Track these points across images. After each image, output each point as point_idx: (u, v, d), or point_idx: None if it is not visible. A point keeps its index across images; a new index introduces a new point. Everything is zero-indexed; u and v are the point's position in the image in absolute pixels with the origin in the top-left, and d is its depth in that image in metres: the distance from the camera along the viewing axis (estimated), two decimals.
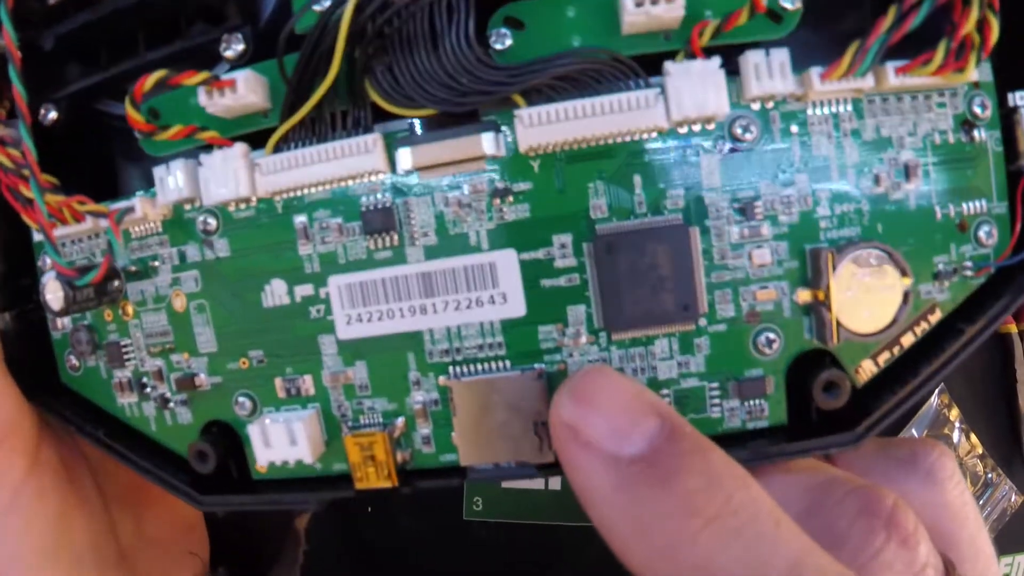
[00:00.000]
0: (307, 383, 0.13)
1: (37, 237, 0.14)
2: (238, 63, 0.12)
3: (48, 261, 0.14)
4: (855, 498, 0.10)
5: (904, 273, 0.11)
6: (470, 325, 0.12)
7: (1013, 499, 0.44)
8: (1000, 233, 0.12)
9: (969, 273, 0.12)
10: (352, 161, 0.11)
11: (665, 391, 0.12)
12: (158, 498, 0.16)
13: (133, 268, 0.13)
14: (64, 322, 0.14)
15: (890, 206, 0.12)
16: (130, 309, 0.13)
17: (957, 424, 0.44)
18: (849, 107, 0.11)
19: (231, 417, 0.13)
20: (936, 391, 0.41)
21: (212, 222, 0.12)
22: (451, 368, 0.12)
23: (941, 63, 0.11)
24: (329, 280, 0.12)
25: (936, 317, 0.12)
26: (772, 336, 0.12)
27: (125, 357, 0.13)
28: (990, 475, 0.44)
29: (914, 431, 0.41)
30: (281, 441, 0.12)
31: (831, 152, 0.11)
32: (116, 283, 0.13)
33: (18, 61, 0.12)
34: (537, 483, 0.23)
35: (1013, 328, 0.44)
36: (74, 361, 0.14)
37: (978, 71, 0.11)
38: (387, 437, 0.12)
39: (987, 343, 0.37)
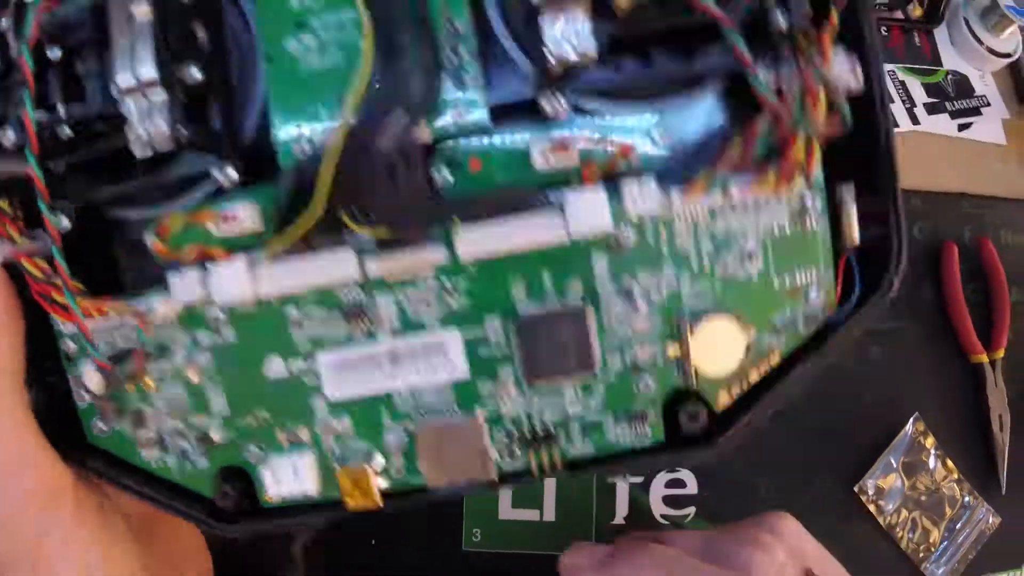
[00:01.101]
0: (304, 433, 0.17)
1: (58, 326, 0.17)
2: (230, 187, 0.16)
3: (72, 346, 0.17)
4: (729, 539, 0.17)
5: (745, 330, 0.16)
6: (428, 386, 0.16)
7: (991, 520, 0.49)
8: (826, 296, 0.17)
9: (800, 325, 0.17)
10: (333, 270, 0.15)
11: (574, 422, 0.17)
12: (168, 525, 0.20)
13: (151, 350, 0.17)
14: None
15: (738, 281, 0.16)
16: (151, 383, 0.17)
17: (932, 451, 0.49)
18: (705, 214, 0.16)
19: (242, 462, 0.17)
20: (912, 419, 0.47)
21: (221, 316, 0.16)
22: (415, 416, 0.16)
23: (774, 184, 0.15)
24: (318, 356, 0.16)
25: (775, 360, 0.17)
26: (650, 381, 0.16)
27: (148, 421, 0.17)
28: (967, 498, 0.48)
29: (891, 458, 0.46)
30: (288, 478, 0.16)
31: (691, 247, 0.16)
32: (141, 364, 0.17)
33: (46, 196, 0.15)
34: (533, 514, 0.27)
35: (984, 358, 0.49)
36: (101, 425, 0.18)
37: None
38: (369, 469, 0.17)
39: (961, 372, 0.40)
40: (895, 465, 0.47)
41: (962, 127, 0.58)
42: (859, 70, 0.15)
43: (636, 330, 0.16)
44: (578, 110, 0.15)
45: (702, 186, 0.15)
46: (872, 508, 0.48)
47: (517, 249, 0.15)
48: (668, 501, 0.37)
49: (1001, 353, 0.50)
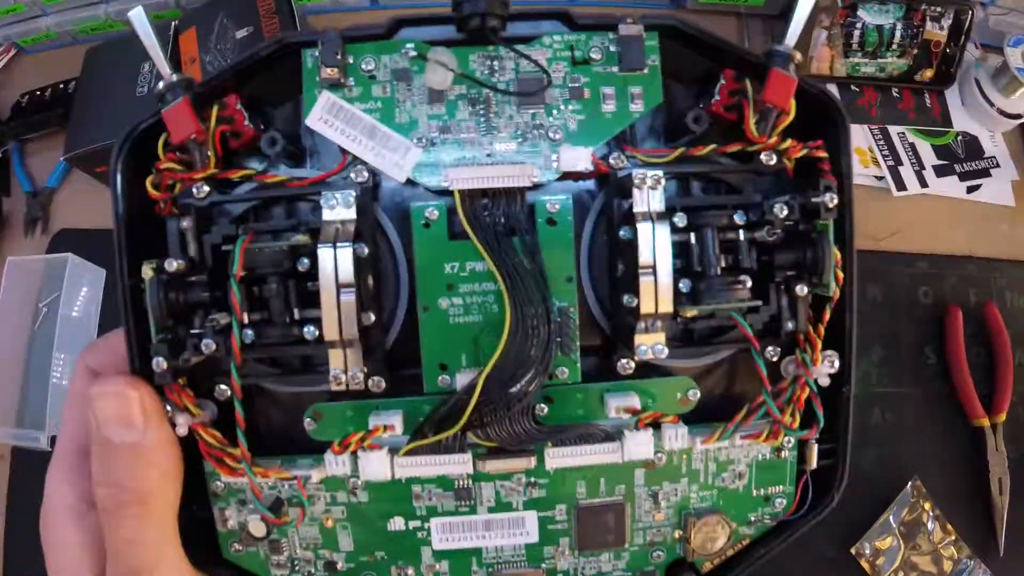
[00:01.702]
0: (411, 571, 0.23)
1: (208, 468, 0.22)
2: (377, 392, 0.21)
3: (219, 486, 0.22)
4: None
5: (728, 525, 0.23)
6: (508, 546, 0.23)
7: None
8: (787, 501, 0.24)
9: (768, 521, 0.24)
10: (454, 466, 0.21)
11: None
12: None
13: (296, 500, 0.22)
14: (232, 521, 0.23)
15: (729, 491, 0.23)
16: (290, 521, 0.22)
17: (931, 513, 0.48)
18: (715, 450, 0.23)
19: None
20: (911, 482, 0.46)
21: (359, 482, 0.22)
22: (496, 566, 0.23)
23: (764, 439, 0.22)
24: (431, 520, 0.22)
25: (746, 542, 0.24)
26: (661, 553, 0.23)
27: (283, 548, 0.23)
28: (965, 560, 0.47)
29: (891, 519, 0.46)
30: None
31: (701, 468, 0.23)
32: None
33: (239, 392, 0.20)
34: None
35: (986, 422, 0.48)
36: (238, 547, 0.23)
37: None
38: None
39: (962, 435, 0.45)
40: (893, 526, 0.47)
41: (971, 189, 0.59)
42: (837, 363, 0.22)
43: (656, 520, 0.23)
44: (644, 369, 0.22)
45: (718, 436, 0.22)
46: (868, 568, 0.47)
47: (585, 464, 0.22)
48: None
49: (1003, 417, 0.50)
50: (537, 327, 0.20)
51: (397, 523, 0.22)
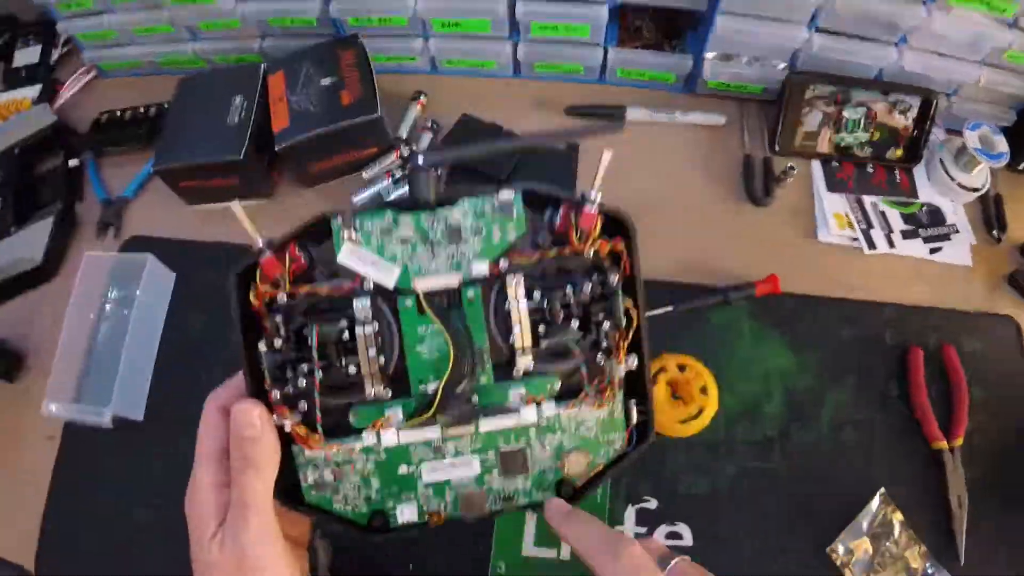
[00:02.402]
0: (412, 495, 0.41)
1: (293, 447, 0.41)
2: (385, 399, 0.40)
3: (302, 459, 0.41)
4: None
5: (587, 457, 0.43)
6: (464, 476, 0.41)
7: None
8: (622, 443, 0.43)
9: (611, 454, 0.43)
10: (430, 434, 0.40)
11: (521, 491, 0.42)
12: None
13: (347, 461, 0.41)
14: (310, 478, 0.41)
15: (586, 438, 0.43)
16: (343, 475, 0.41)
17: (896, 522, 0.53)
18: (573, 415, 0.42)
19: (385, 507, 0.42)
20: (879, 493, 0.53)
21: (381, 447, 0.41)
22: (459, 487, 0.42)
23: (598, 405, 0.41)
24: (422, 465, 0.41)
25: (599, 469, 0.43)
26: (550, 476, 0.42)
27: (340, 490, 0.41)
28: (929, 567, 0.52)
29: (862, 523, 0.52)
30: (406, 513, 0.41)
31: (567, 425, 0.42)
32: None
33: (318, 419, 0.39)
34: (552, 553, 0.47)
35: (944, 445, 0.55)
36: (314, 492, 0.42)
37: None
38: (441, 512, 0.42)
39: (924, 457, 0.56)
40: (864, 530, 0.52)
41: (933, 250, 0.67)
42: (635, 362, 0.41)
43: (544, 456, 0.42)
44: (527, 374, 0.41)
45: (573, 407, 0.41)
46: (841, 567, 0.52)
47: (501, 428, 0.41)
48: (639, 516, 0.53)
49: (959, 441, 0.56)
50: (468, 357, 0.39)
51: (403, 469, 0.41)
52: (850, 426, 0.58)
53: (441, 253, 0.40)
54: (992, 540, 0.53)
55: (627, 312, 0.40)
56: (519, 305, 0.39)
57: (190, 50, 0.76)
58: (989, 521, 0.54)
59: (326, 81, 0.66)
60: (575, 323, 0.39)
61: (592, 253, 0.41)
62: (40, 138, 0.74)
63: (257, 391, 0.39)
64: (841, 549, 0.51)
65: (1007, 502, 0.55)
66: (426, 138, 0.72)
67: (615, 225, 0.41)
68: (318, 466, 0.41)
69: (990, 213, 0.69)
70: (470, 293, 0.40)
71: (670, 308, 0.62)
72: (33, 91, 0.81)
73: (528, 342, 0.39)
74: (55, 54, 0.84)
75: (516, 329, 0.39)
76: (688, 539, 0.52)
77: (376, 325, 0.39)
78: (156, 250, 0.64)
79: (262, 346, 0.38)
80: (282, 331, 0.39)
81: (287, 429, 0.39)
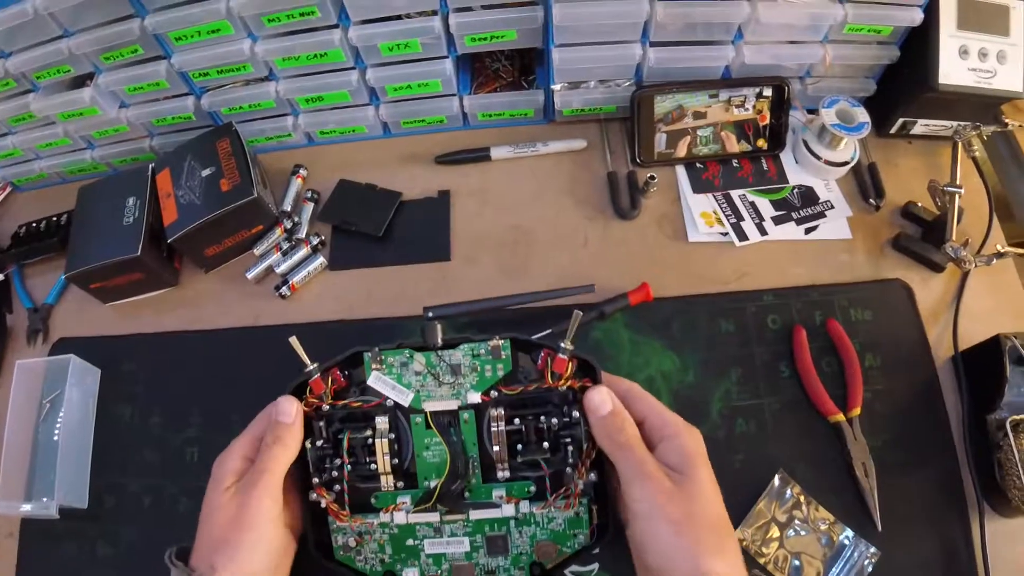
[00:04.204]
0: (416, 563, 0.56)
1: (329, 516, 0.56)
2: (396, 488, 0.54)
3: (335, 525, 0.56)
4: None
5: (555, 547, 0.55)
6: (457, 552, 0.55)
7: (872, 551, 0.53)
8: (586, 539, 0.55)
9: (576, 546, 0.56)
10: (431, 518, 0.54)
11: (502, 568, 0.55)
12: None
13: (367, 531, 0.56)
14: (339, 541, 0.56)
15: (556, 531, 0.55)
16: (364, 542, 0.56)
17: (800, 498, 0.55)
18: (547, 513, 0.55)
19: (395, 568, 0.56)
20: (777, 474, 0.55)
21: (394, 524, 0.55)
22: (452, 560, 0.55)
23: (566, 507, 0.54)
24: (424, 540, 0.55)
25: (567, 555, 0.56)
26: (524, 560, 0.55)
27: (361, 552, 0.56)
28: (844, 538, 0.53)
29: (763, 506, 0.54)
30: None
31: (541, 520, 0.55)
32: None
33: (347, 500, 0.54)
34: None
35: (841, 417, 0.57)
36: (342, 552, 0.56)
37: None
38: None
39: (822, 432, 0.58)
40: (768, 514, 0.55)
41: (808, 230, 0.68)
42: (594, 477, 0.53)
43: (521, 543, 0.55)
44: (510, 479, 0.54)
45: (543, 506, 0.54)
46: (754, 552, 0.55)
47: (486, 518, 0.54)
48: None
49: (857, 411, 0.58)
50: (461, 463, 0.53)
51: (410, 541, 0.55)
52: (741, 415, 0.60)
53: (445, 383, 0.53)
54: (906, 501, 0.55)
55: (588, 435, 0.52)
56: (499, 429, 0.52)
57: (89, 157, 0.81)
58: (900, 483, 0.55)
59: (206, 171, 0.70)
60: (546, 444, 0.52)
61: (566, 388, 0.53)
62: None
63: (304, 476, 0.54)
64: (747, 534, 0.54)
65: (915, 461, 0.56)
66: (308, 209, 0.76)
67: (586, 365, 0.53)
68: (346, 533, 0.56)
69: (865, 183, 0.71)
70: (465, 416, 0.53)
71: (548, 331, 0.64)
72: None
73: (505, 456, 0.52)
74: None
75: (495, 448, 0.52)
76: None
77: (393, 435, 0.53)
78: (81, 348, 0.68)
79: (308, 443, 0.53)
80: (324, 432, 0.54)
81: (322, 505, 0.53)
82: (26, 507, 0.61)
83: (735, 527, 0.52)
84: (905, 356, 0.62)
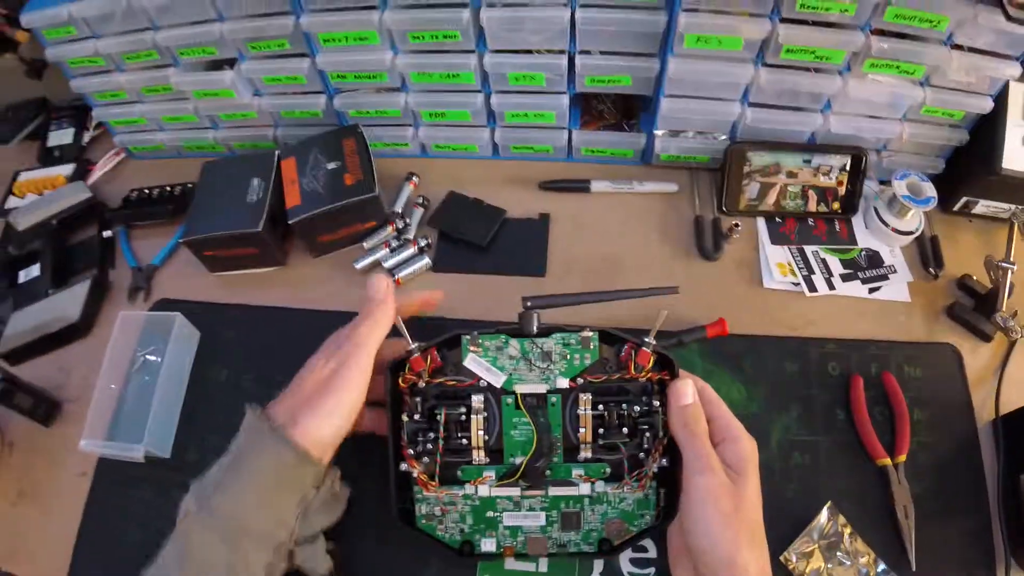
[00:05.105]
0: (494, 533, 0.61)
1: (414, 485, 0.61)
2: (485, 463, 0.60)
3: (419, 494, 0.61)
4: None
5: (624, 525, 0.61)
6: (533, 524, 0.60)
7: None
8: (652, 517, 0.61)
9: (643, 525, 0.61)
10: (513, 491, 0.60)
11: (573, 542, 0.61)
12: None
13: (451, 501, 0.61)
14: (423, 510, 0.61)
15: (625, 510, 0.61)
16: (448, 510, 0.61)
17: (845, 532, 0.58)
18: (618, 493, 0.60)
19: (474, 539, 0.61)
20: (827, 506, 0.59)
21: (477, 496, 0.60)
22: (528, 532, 0.61)
23: (638, 489, 0.60)
24: (504, 512, 0.60)
25: (633, 533, 0.61)
26: (594, 535, 0.61)
27: (443, 521, 0.61)
28: (880, 571, 0.57)
29: (813, 534, 0.58)
30: (488, 545, 0.61)
31: (612, 499, 0.60)
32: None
33: (437, 472, 0.59)
34: (531, 566, 0.66)
35: (888, 461, 0.61)
36: (424, 521, 0.62)
37: None
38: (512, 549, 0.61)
39: (870, 474, 0.63)
40: (815, 539, 0.58)
41: (872, 290, 0.74)
42: (666, 462, 0.59)
43: (593, 520, 0.60)
44: (587, 460, 0.60)
45: (621, 486, 0.59)
46: (796, 572, 0.58)
47: (563, 495, 0.59)
48: (634, 562, 0.60)
49: (903, 458, 0.62)
50: (546, 443, 0.59)
51: (490, 513, 0.60)
52: (798, 449, 0.65)
53: (536, 368, 0.59)
54: (940, 546, 0.58)
55: (665, 425, 0.58)
56: (586, 414, 0.57)
57: (211, 137, 0.87)
58: (936, 529, 0.59)
59: (332, 165, 0.76)
60: (625, 429, 0.58)
61: (646, 380, 0.59)
62: (76, 212, 0.84)
63: (397, 447, 0.59)
64: (794, 557, 0.57)
65: (951, 511, 0.60)
66: (418, 213, 0.82)
67: (665, 359, 0.59)
68: (430, 503, 0.61)
69: (927, 253, 0.77)
70: (553, 399, 0.59)
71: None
72: (66, 169, 0.91)
73: (589, 439, 0.57)
74: (87, 136, 0.95)
75: (581, 430, 0.57)
76: (653, 552, 0.62)
77: (485, 413, 0.58)
78: (182, 310, 0.71)
79: (404, 416, 0.59)
80: (419, 407, 0.59)
81: (414, 475, 0.59)
82: (114, 447, 0.64)
83: (784, 549, 0.58)
84: (950, 414, 0.66)
